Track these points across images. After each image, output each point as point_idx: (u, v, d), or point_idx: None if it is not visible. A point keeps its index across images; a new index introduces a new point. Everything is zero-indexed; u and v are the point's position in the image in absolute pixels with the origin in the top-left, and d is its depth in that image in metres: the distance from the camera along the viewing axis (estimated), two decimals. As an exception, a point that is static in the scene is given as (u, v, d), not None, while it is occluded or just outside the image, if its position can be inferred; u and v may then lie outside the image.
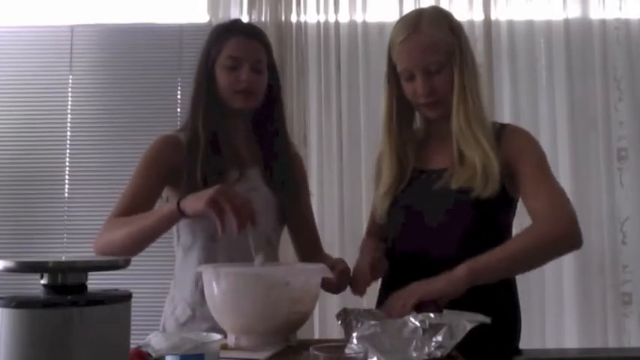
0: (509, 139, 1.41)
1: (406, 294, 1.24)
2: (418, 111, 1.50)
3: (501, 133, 1.43)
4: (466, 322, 1.07)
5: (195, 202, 1.25)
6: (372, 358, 1.01)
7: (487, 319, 1.09)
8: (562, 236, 1.31)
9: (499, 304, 1.34)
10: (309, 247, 1.61)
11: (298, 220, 1.59)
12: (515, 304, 1.45)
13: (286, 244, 1.67)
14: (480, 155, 1.37)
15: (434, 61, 1.39)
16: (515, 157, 1.39)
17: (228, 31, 1.50)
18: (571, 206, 1.34)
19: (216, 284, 1.20)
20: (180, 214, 1.28)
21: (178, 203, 1.27)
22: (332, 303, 2.51)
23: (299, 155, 1.68)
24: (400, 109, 1.49)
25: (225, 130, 1.49)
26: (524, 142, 1.43)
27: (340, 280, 1.35)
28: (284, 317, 1.18)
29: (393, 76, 1.47)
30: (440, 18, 1.43)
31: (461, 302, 1.19)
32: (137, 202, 1.41)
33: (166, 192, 1.50)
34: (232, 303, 1.19)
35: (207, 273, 1.23)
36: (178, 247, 1.51)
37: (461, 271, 1.24)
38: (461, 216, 1.38)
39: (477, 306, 1.14)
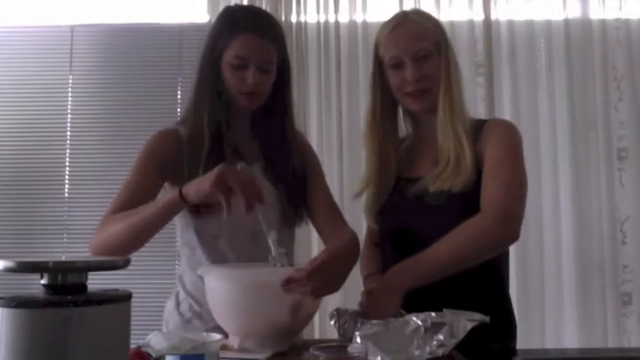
0: (485, 132, 1.41)
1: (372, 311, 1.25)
2: (403, 105, 1.48)
3: (481, 127, 1.42)
4: (466, 321, 1.07)
5: (199, 185, 1.21)
6: (375, 357, 1.02)
7: (486, 318, 1.09)
8: (492, 235, 1.29)
9: (491, 306, 1.33)
10: (328, 226, 1.49)
11: (310, 206, 1.51)
12: (508, 304, 1.44)
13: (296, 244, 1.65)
14: (455, 147, 1.37)
15: (423, 47, 1.41)
16: (485, 147, 1.38)
17: (237, 26, 1.40)
18: (516, 199, 1.31)
19: (218, 287, 1.20)
20: (182, 201, 1.24)
21: (180, 191, 1.24)
22: (332, 303, 2.51)
23: (307, 142, 1.61)
24: (384, 111, 1.49)
25: (227, 125, 1.44)
26: (496, 131, 1.41)
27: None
28: (287, 320, 1.16)
29: (379, 75, 1.48)
30: (426, 14, 1.50)
31: (450, 306, 1.17)
32: (135, 199, 1.36)
33: (167, 188, 1.46)
34: (233, 306, 1.18)
35: (208, 275, 1.22)
36: (184, 247, 1.49)
37: (401, 292, 1.26)
38: (437, 217, 1.36)
39: (467, 308, 1.14)
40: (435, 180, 1.38)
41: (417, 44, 1.41)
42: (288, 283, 1.13)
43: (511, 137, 1.41)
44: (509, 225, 1.30)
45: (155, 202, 1.32)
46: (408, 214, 1.43)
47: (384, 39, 1.45)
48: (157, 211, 1.27)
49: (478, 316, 1.09)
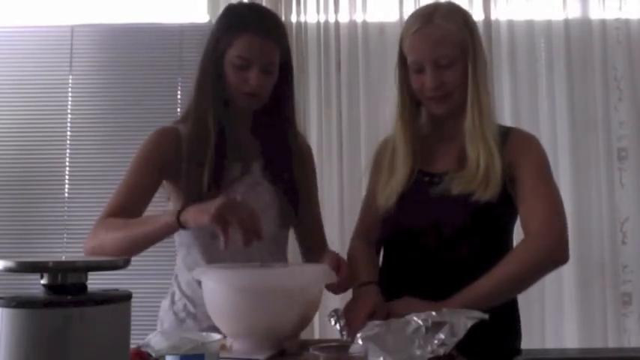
0: (513, 143, 1.39)
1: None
2: (424, 106, 1.45)
3: (506, 136, 1.41)
4: (466, 319, 1.07)
5: (198, 216, 1.20)
6: (377, 358, 1.01)
7: (485, 316, 1.09)
8: (549, 258, 1.31)
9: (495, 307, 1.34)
10: (312, 242, 1.55)
11: (301, 213, 1.52)
12: (513, 303, 1.44)
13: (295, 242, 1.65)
14: (485, 155, 1.34)
15: (445, 55, 1.35)
16: (516, 161, 1.37)
17: (240, 25, 1.39)
18: (564, 221, 1.33)
19: (214, 289, 1.19)
20: (179, 227, 1.24)
21: (178, 216, 1.23)
22: (332, 303, 2.51)
23: (308, 146, 1.62)
24: (412, 109, 1.45)
25: (229, 123, 1.44)
26: (528, 146, 1.41)
27: (343, 282, 1.30)
28: (286, 322, 1.16)
29: (404, 69, 1.43)
30: (455, 12, 1.41)
31: None
32: (131, 200, 1.37)
33: (166, 187, 1.47)
34: (229, 308, 1.17)
35: (204, 277, 1.20)
36: (181, 246, 1.49)
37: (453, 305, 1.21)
38: (460, 221, 1.35)
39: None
40: (460, 182, 1.35)
41: (439, 51, 1.35)
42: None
43: (543, 155, 1.41)
44: (564, 247, 1.31)
45: (150, 219, 1.31)
46: (431, 211, 1.39)
47: (408, 39, 1.40)
48: (153, 230, 1.28)
49: (477, 314, 1.09)
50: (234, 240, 1.18)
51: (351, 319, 1.25)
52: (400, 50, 1.44)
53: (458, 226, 1.35)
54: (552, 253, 1.31)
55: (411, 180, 1.42)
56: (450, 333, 1.06)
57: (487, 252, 1.33)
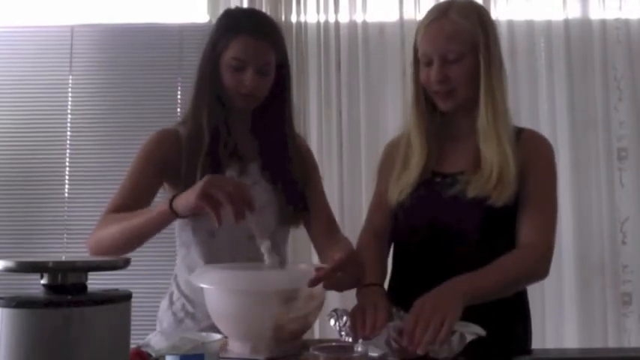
0: (527, 144, 1.38)
1: (435, 318, 1.09)
2: (433, 100, 1.43)
3: (519, 137, 1.39)
4: (465, 334, 1.07)
5: (186, 199, 1.20)
6: (377, 357, 1.02)
7: (483, 332, 1.08)
8: (537, 272, 1.33)
9: (508, 305, 1.34)
10: (324, 236, 1.52)
11: (308, 210, 1.52)
12: (520, 305, 1.43)
13: (294, 242, 1.64)
14: (499, 159, 1.32)
15: (453, 50, 1.34)
16: (525, 164, 1.35)
17: (236, 28, 1.43)
18: (554, 238, 1.36)
19: (211, 290, 1.18)
20: (173, 214, 1.24)
21: (171, 204, 1.23)
22: (333, 303, 2.51)
23: (307, 147, 1.63)
24: (423, 96, 1.43)
25: (226, 123, 1.46)
26: (537, 153, 1.40)
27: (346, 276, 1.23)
28: (286, 325, 1.15)
29: (417, 61, 1.42)
30: (471, 9, 1.39)
31: (470, 306, 1.15)
32: (133, 197, 1.38)
33: (167, 189, 1.48)
34: (227, 310, 1.16)
35: (202, 278, 1.20)
36: (181, 248, 1.50)
37: (464, 298, 1.17)
38: (474, 224, 1.34)
39: (485, 307, 1.15)
40: (476, 186, 1.34)
41: (448, 46, 1.34)
42: (315, 284, 1.13)
43: (552, 162, 1.42)
44: (547, 265, 1.33)
45: (149, 210, 1.32)
46: (444, 213, 1.37)
47: (422, 30, 1.40)
48: (150, 220, 1.28)
49: (477, 329, 1.09)
50: (227, 218, 1.16)
51: (355, 327, 1.20)
52: (415, 42, 1.43)
53: (470, 229, 1.34)
54: (540, 272, 1.33)
55: (424, 177, 1.40)
56: (448, 348, 1.06)
57: (498, 255, 1.31)
